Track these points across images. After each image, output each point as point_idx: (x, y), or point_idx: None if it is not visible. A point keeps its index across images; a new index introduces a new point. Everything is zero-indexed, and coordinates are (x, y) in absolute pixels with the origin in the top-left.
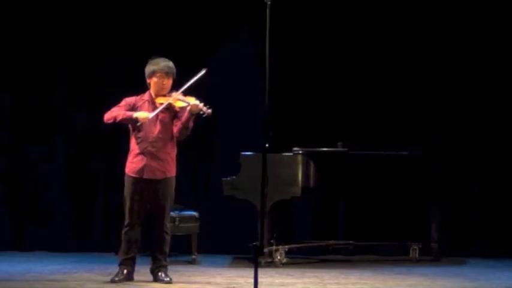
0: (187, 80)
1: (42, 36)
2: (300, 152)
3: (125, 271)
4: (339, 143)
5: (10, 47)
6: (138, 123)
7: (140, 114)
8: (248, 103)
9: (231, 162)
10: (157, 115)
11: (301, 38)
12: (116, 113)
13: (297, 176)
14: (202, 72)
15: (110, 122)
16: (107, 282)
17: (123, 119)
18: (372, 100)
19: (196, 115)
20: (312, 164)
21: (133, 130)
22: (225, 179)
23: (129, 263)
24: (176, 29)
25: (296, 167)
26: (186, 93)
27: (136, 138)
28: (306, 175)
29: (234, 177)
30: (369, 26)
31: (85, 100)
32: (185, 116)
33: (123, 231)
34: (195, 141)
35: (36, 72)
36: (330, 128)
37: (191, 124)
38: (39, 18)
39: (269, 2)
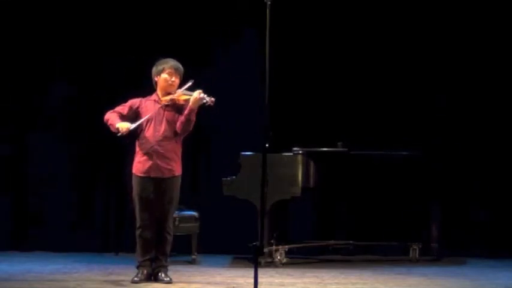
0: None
1: (42, 37)
2: (300, 152)
3: (145, 271)
4: (339, 143)
5: (10, 47)
6: (119, 134)
7: (121, 125)
8: (248, 103)
9: (231, 162)
10: (163, 114)
11: (302, 38)
12: (110, 116)
13: (297, 176)
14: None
15: (106, 122)
16: (108, 282)
17: (110, 126)
18: (372, 100)
19: (199, 106)
20: (312, 164)
21: (139, 130)
22: (225, 179)
23: (147, 264)
24: (176, 29)
25: (296, 167)
26: (191, 89)
27: (142, 137)
28: (306, 175)
29: (234, 177)
30: (369, 26)
31: (85, 100)
32: (188, 108)
33: (136, 233)
34: (195, 141)
35: (36, 72)
36: (330, 128)
37: (193, 118)
38: (40, 19)
39: (269, 2)
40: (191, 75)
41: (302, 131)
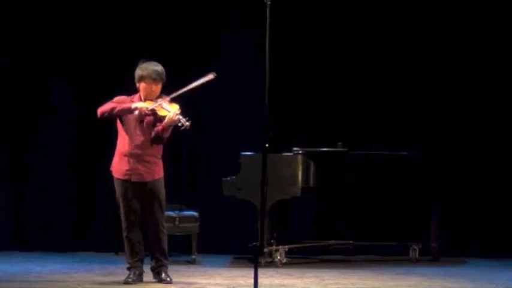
0: (192, 81)
1: (41, 37)
2: (300, 152)
3: (137, 272)
4: (339, 143)
5: (8, 47)
6: (137, 112)
7: (140, 104)
8: (248, 103)
9: (231, 162)
10: (142, 118)
11: (302, 37)
12: (110, 105)
13: (297, 176)
14: (210, 77)
15: (105, 115)
16: (108, 282)
17: (120, 111)
18: (372, 100)
19: (174, 127)
20: (312, 164)
21: (122, 131)
22: (225, 179)
23: (138, 265)
24: (176, 29)
25: (296, 167)
26: (175, 99)
27: (122, 140)
28: (306, 175)
29: (234, 177)
30: (369, 26)
31: (84, 100)
32: (162, 125)
33: (123, 235)
34: (195, 141)
35: (35, 71)
36: (330, 128)
37: (166, 135)
38: (39, 19)
39: (269, 2)
40: (191, 75)
41: (302, 131)
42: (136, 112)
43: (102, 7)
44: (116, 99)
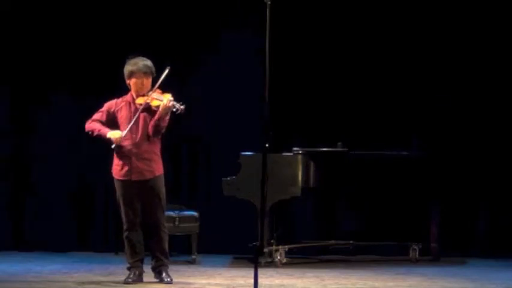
0: (159, 77)
1: (41, 37)
2: (300, 152)
3: (137, 272)
4: (339, 143)
5: (9, 46)
6: (113, 145)
7: (113, 135)
8: (248, 102)
9: (231, 162)
10: (138, 116)
11: (302, 38)
12: (93, 126)
13: (297, 176)
14: (166, 71)
15: (89, 133)
16: (108, 282)
17: (98, 136)
18: (372, 100)
19: (169, 113)
20: (312, 164)
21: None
22: (225, 179)
23: (138, 265)
24: (176, 29)
25: (296, 167)
26: (164, 89)
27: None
28: (306, 175)
29: (234, 177)
30: (369, 26)
31: (84, 100)
32: (157, 114)
33: (124, 235)
34: (195, 141)
35: (35, 71)
36: (330, 128)
37: (163, 124)
38: (38, 18)
39: (269, 2)
40: (192, 75)
41: (302, 131)
42: (113, 145)
43: (102, 7)
44: (105, 106)
